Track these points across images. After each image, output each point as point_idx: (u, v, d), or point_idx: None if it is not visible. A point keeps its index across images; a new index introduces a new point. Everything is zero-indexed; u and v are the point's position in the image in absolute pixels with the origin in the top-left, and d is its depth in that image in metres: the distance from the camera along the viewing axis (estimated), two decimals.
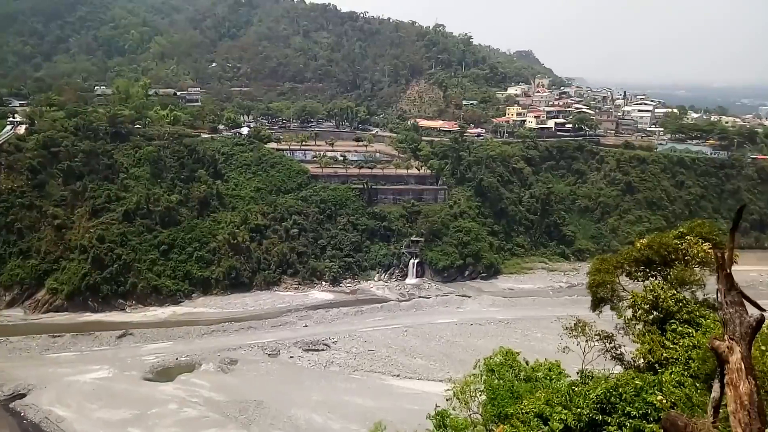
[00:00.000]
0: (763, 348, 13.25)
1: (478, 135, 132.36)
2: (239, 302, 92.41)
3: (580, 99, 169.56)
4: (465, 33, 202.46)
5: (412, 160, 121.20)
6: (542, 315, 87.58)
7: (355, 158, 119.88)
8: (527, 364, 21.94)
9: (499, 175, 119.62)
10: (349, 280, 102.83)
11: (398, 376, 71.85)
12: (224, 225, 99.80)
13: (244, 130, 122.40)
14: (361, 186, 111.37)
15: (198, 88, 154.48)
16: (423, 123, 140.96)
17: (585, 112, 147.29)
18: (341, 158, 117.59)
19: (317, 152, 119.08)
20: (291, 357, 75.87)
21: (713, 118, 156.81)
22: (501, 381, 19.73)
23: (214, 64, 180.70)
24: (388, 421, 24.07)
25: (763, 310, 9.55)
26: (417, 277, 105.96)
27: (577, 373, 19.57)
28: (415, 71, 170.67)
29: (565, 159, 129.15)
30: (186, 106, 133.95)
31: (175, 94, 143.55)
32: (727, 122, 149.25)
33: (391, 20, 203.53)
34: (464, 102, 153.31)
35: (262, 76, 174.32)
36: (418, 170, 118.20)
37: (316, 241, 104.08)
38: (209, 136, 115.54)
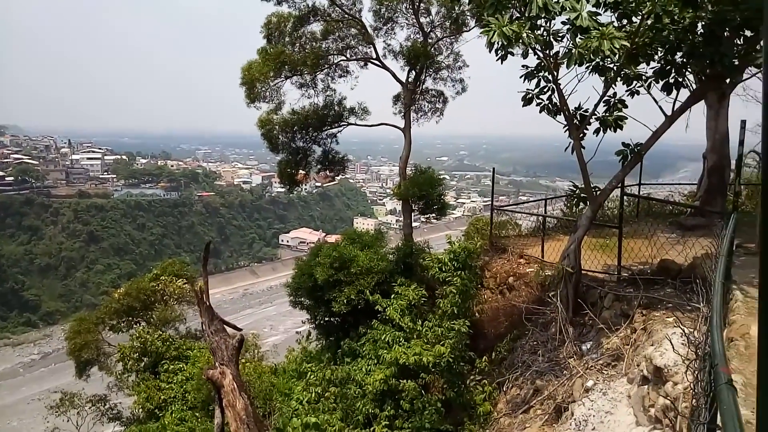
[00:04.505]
0: (243, 361, 15.06)
1: None
2: None
3: (19, 149, 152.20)
4: None
5: None
6: (15, 399, 74.06)
7: None
8: None
9: None
10: None
11: None
12: None
13: None
14: None
15: None
16: None
17: (28, 163, 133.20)
18: None
19: None
20: None
21: (160, 162, 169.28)
22: None
23: None
24: None
25: (240, 329, 10.79)
26: None
27: None
28: None
29: (12, 216, 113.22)
30: None
31: None
32: (172, 166, 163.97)
33: None
34: None
35: None
36: None
37: None
38: None
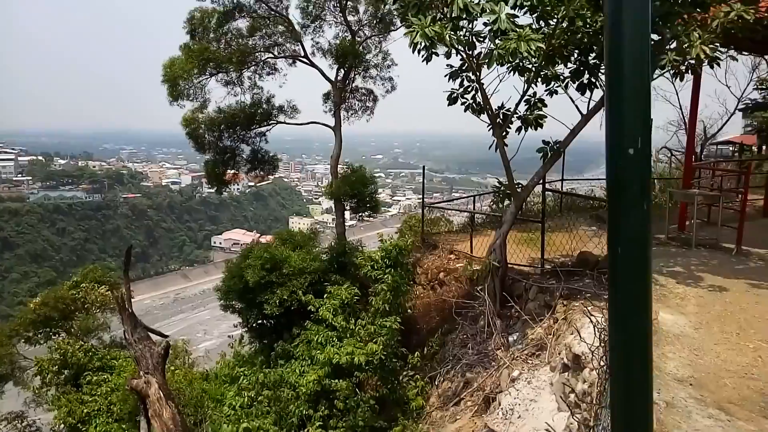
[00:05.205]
0: (172, 368, 14.57)
1: None
2: None
3: None
4: None
5: None
6: None
7: None
8: None
9: None
10: None
11: None
12: None
13: None
14: None
15: None
16: None
17: None
18: None
19: None
20: None
21: (81, 163, 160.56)
22: None
23: None
24: None
25: (166, 336, 10.43)
26: None
27: None
28: None
29: None
30: None
31: None
32: (94, 167, 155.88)
33: None
34: None
35: None
36: None
37: None
38: None
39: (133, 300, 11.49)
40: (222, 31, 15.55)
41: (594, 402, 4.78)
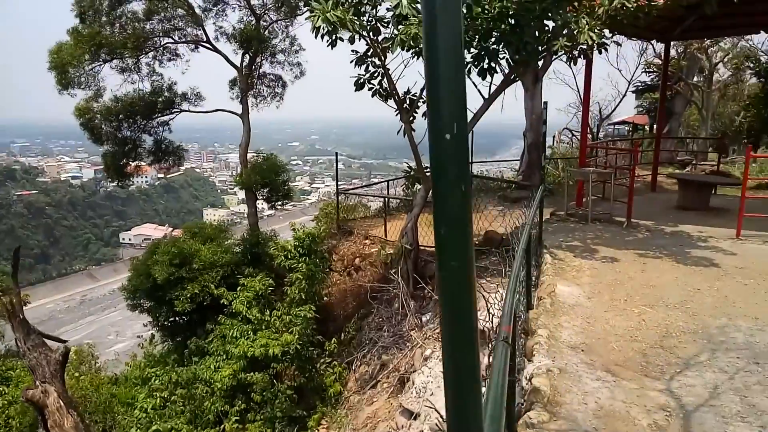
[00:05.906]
0: (77, 374, 13.73)
1: None
2: None
3: None
4: None
5: None
6: None
7: None
8: None
9: None
10: None
11: None
12: None
13: None
14: None
15: None
16: None
17: None
18: None
19: None
20: None
21: None
22: None
23: None
24: None
25: (64, 341, 9.80)
26: None
27: None
28: None
29: None
30: None
31: None
32: None
33: None
34: None
35: None
36: None
37: None
38: None
39: (31, 305, 10.69)
40: (115, 14, 14.58)
41: None
